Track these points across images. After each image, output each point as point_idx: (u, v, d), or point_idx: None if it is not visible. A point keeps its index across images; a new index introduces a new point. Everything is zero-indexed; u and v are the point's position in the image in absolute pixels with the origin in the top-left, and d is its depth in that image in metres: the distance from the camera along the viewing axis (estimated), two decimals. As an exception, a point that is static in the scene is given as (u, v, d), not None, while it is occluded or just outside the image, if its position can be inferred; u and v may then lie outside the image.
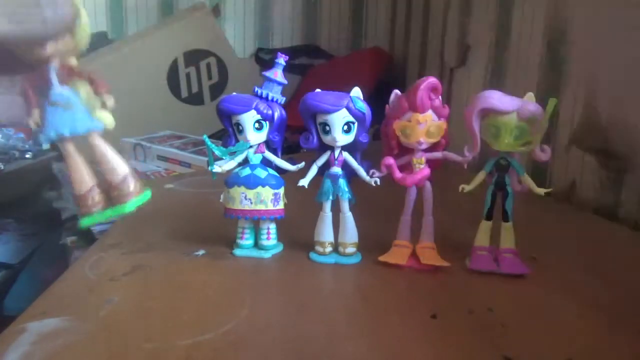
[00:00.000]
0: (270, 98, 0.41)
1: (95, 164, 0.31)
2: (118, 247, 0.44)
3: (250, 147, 0.42)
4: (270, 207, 0.42)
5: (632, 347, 0.30)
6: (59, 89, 0.30)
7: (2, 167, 1.04)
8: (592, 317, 0.33)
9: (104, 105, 0.31)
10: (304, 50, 1.55)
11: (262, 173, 0.42)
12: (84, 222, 0.33)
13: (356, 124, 0.40)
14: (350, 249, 0.42)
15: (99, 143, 0.31)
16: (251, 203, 0.42)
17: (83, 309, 0.33)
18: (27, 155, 1.17)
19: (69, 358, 0.27)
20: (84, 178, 0.31)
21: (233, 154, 0.42)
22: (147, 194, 0.33)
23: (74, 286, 0.37)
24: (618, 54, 0.57)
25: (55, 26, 0.28)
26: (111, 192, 0.32)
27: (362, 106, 0.39)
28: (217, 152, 0.41)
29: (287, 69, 0.43)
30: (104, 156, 0.31)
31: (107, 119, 0.31)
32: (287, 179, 0.43)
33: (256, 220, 0.43)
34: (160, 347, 0.28)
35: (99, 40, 1.43)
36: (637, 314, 0.34)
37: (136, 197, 0.32)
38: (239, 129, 0.41)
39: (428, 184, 0.41)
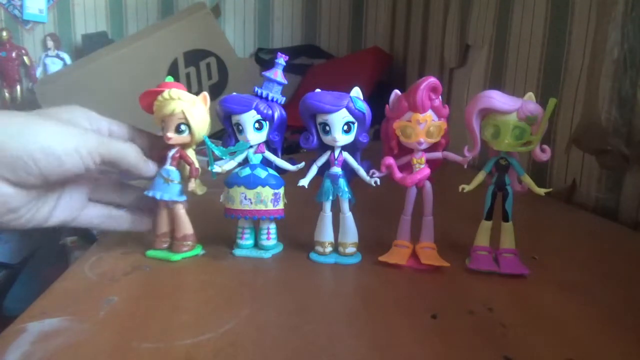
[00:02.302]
0: (270, 98, 0.41)
1: (171, 219, 0.43)
2: (118, 247, 0.44)
3: (250, 147, 0.42)
4: (270, 207, 0.42)
5: (633, 347, 0.30)
6: (167, 167, 0.42)
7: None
8: (592, 317, 0.33)
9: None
10: (304, 50, 1.55)
11: (262, 173, 0.42)
12: (149, 253, 0.43)
13: (356, 124, 0.40)
14: (350, 249, 0.42)
15: (178, 209, 0.43)
16: (251, 203, 0.42)
17: (83, 309, 0.33)
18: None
19: (69, 358, 0.27)
20: (162, 224, 0.43)
21: (233, 154, 0.42)
22: (197, 250, 0.43)
23: (74, 286, 0.37)
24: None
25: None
26: (173, 241, 0.43)
27: (362, 106, 0.39)
28: (217, 152, 0.41)
29: (287, 69, 0.43)
30: (177, 218, 0.43)
31: (198, 189, 0.43)
32: (287, 179, 0.43)
33: (256, 221, 0.43)
34: (160, 347, 0.28)
35: (99, 40, 1.43)
36: (638, 314, 0.34)
37: (187, 252, 0.43)
38: (239, 129, 0.41)
39: (428, 184, 0.41)
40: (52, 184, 0.36)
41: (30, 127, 0.34)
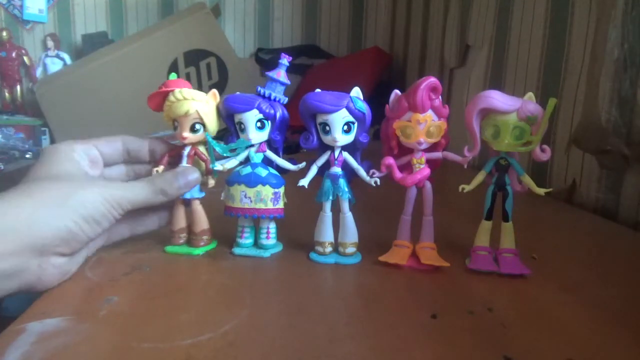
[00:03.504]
0: (272, 98, 0.41)
1: (188, 214, 0.44)
2: (118, 247, 0.44)
3: (252, 145, 0.42)
4: (270, 206, 0.42)
5: (633, 347, 0.30)
6: (183, 165, 0.43)
7: (2, 167, 1.04)
8: (592, 317, 0.33)
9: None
10: (304, 50, 1.55)
11: (262, 172, 0.42)
12: (168, 249, 0.43)
13: (356, 124, 0.40)
14: (350, 249, 0.42)
15: (196, 205, 0.43)
16: (251, 202, 0.42)
17: (83, 309, 0.33)
18: (27, 155, 1.17)
19: (69, 358, 0.27)
20: (179, 220, 0.44)
21: (233, 151, 0.42)
22: (213, 245, 0.44)
23: (74, 286, 0.37)
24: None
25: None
26: (191, 236, 0.44)
27: (362, 106, 0.39)
28: (218, 150, 0.41)
29: (287, 69, 0.43)
30: (195, 213, 0.43)
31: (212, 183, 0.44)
32: (288, 178, 0.43)
33: (256, 219, 0.43)
34: (160, 347, 0.28)
35: (99, 40, 1.43)
36: (638, 314, 0.34)
37: (204, 246, 0.43)
38: (241, 127, 0.41)
39: (428, 184, 0.41)
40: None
41: (70, 199, 0.36)
